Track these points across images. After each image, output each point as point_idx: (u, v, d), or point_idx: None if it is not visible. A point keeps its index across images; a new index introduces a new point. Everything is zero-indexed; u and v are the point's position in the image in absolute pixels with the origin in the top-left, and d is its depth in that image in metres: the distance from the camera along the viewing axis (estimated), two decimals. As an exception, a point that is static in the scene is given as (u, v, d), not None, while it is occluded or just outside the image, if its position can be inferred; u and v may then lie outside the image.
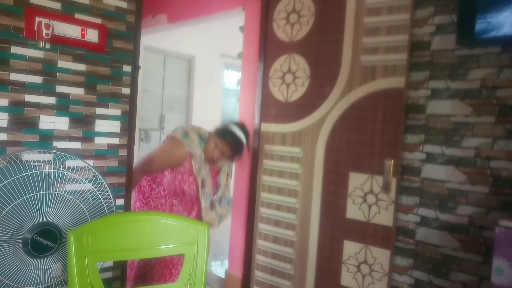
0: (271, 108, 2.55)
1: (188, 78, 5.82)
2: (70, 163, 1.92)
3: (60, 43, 1.93)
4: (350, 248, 2.16)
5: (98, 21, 2.05)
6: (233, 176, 2.48)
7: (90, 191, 1.90)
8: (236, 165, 2.87)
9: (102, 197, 1.92)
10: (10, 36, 1.80)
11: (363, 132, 2.12)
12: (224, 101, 6.33)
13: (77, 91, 2.03)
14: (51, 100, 1.95)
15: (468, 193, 1.80)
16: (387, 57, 2.02)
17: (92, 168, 1.95)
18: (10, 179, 1.67)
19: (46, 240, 1.76)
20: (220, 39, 5.59)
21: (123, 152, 2.21)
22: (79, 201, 1.86)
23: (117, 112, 2.18)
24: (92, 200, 1.90)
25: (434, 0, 1.89)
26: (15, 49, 1.82)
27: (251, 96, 2.75)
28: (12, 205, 1.67)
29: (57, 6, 1.92)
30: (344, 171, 2.19)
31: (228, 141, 2.21)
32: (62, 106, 1.98)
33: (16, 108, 1.85)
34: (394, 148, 1.99)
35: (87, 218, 1.88)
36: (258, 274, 2.61)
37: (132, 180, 2.17)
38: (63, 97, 1.98)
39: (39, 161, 1.82)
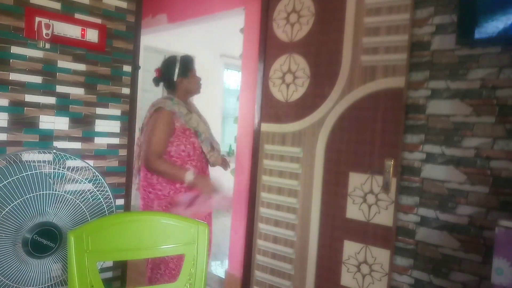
0: (271, 108, 2.55)
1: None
2: (70, 163, 1.92)
3: (60, 43, 1.94)
4: (350, 248, 2.16)
5: (98, 21, 2.06)
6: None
7: (90, 191, 1.90)
8: (236, 164, 2.87)
9: (102, 197, 1.92)
10: (10, 36, 1.81)
11: (363, 132, 2.12)
12: (224, 101, 6.32)
13: (77, 91, 2.03)
14: (51, 100, 1.95)
15: (468, 193, 1.80)
16: (387, 57, 2.02)
17: (92, 168, 1.95)
18: (10, 179, 1.67)
19: (46, 240, 1.76)
20: (220, 39, 5.58)
21: (123, 152, 2.22)
22: (79, 201, 1.86)
23: (117, 112, 2.18)
24: (92, 200, 1.90)
25: (434, 0, 1.89)
26: (15, 49, 1.82)
27: (251, 96, 2.75)
28: (12, 205, 1.67)
29: (57, 6, 1.92)
30: (344, 171, 2.19)
31: (187, 67, 2.37)
32: (62, 106, 1.98)
33: (16, 108, 1.85)
34: (394, 148, 1.99)
35: (87, 218, 1.88)
36: (258, 274, 2.61)
37: (151, 167, 2.16)
38: (63, 97, 1.98)
39: (39, 161, 1.82)
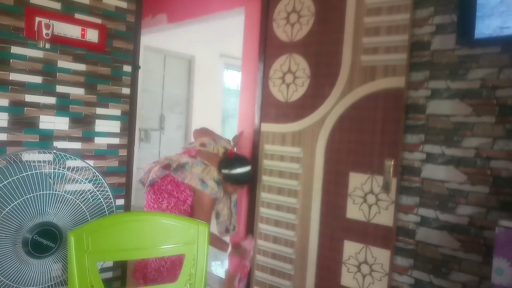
0: (271, 108, 2.55)
1: (188, 78, 5.82)
2: (70, 163, 1.92)
3: (60, 43, 1.94)
4: (350, 248, 2.16)
5: (98, 21, 2.05)
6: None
7: (90, 191, 1.90)
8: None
9: (102, 197, 1.92)
10: (10, 36, 1.81)
11: (363, 132, 2.12)
12: (224, 101, 6.32)
13: (77, 91, 2.03)
14: (51, 100, 1.95)
15: (468, 193, 1.80)
16: (387, 57, 2.02)
17: (92, 168, 1.95)
18: (10, 179, 1.67)
19: (46, 240, 1.76)
20: (220, 39, 5.59)
21: (123, 152, 2.22)
22: (79, 201, 1.86)
23: (117, 112, 2.18)
24: (92, 200, 1.90)
25: (434, 0, 1.89)
26: (15, 49, 1.82)
27: (251, 96, 2.75)
28: (12, 205, 1.67)
29: (57, 6, 1.92)
30: (344, 171, 2.19)
31: (240, 182, 2.42)
32: (62, 106, 1.98)
33: (16, 108, 1.85)
34: (394, 148, 1.99)
35: (87, 218, 1.88)
36: (258, 274, 2.61)
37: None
38: (63, 97, 1.98)
39: (39, 161, 1.82)
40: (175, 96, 5.71)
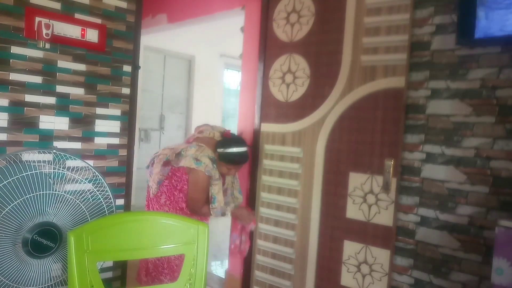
0: (271, 108, 2.55)
1: (188, 78, 5.82)
2: (70, 163, 1.92)
3: (60, 43, 1.94)
4: (350, 248, 2.16)
5: (98, 21, 2.05)
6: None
7: (90, 191, 1.90)
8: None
9: (102, 197, 1.92)
10: (10, 36, 1.81)
11: (363, 132, 2.12)
12: (224, 101, 6.32)
13: (77, 91, 2.03)
14: (51, 100, 1.95)
15: (468, 193, 1.80)
16: (387, 57, 2.02)
17: (92, 168, 1.95)
18: (10, 179, 1.67)
19: (46, 240, 1.76)
20: (220, 39, 5.59)
21: (123, 152, 2.22)
22: (79, 201, 1.86)
23: (117, 112, 2.18)
24: (92, 200, 1.90)
25: (434, 0, 1.89)
26: (15, 49, 1.82)
27: (251, 96, 2.75)
28: (12, 205, 1.67)
29: (57, 6, 1.92)
30: (344, 171, 2.19)
31: (235, 162, 2.37)
32: (62, 106, 1.98)
33: (16, 108, 1.85)
34: (394, 148, 1.99)
35: (87, 218, 1.88)
36: (258, 274, 2.61)
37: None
38: (63, 97, 1.98)
39: (39, 161, 1.82)
40: (175, 96, 5.71)
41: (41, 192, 1.76)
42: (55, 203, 1.80)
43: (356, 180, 2.14)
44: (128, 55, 2.19)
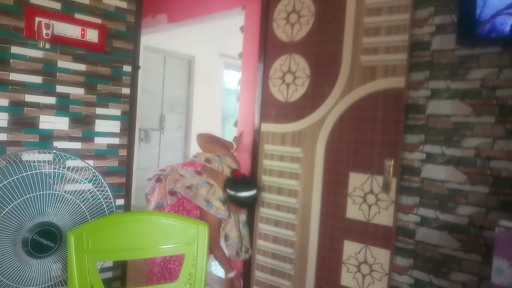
0: (271, 108, 2.55)
1: (188, 78, 5.82)
2: (70, 163, 1.92)
3: (60, 43, 1.94)
4: (350, 248, 2.16)
5: (98, 21, 2.05)
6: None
7: (90, 191, 1.90)
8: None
9: (102, 197, 1.92)
10: (10, 36, 1.81)
11: (363, 132, 2.12)
12: (224, 101, 6.32)
13: (77, 91, 2.03)
14: (51, 100, 1.95)
15: (468, 193, 1.80)
16: (387, 57, 2.02)
17: (92, 168, 1.95)
18: (10, 179, 1.67)
19: (46, 240, 1.76)
20: (220, 39, 5.58)
21: (123, 152, 2.22)
22: (79, 201, 1.86)
23: (117, 112, 2.18)
24: (92, 200, 1.90)
25: (434, 0, 1.89)
26: (15, 49, 1.82)
27: (251, 96, 2.75)
28: (12, 205, 1.67)
29: (57, 6, 1.92)
30: (344, 171, 2.19)
31: (244, 206, 2.42)
32: (62, 106, 1.98)
33: (16, 108, 1.85)
34: (394, 148, 1.99)
35: (87, 218, 1.88)
36: (258, 274, 2.61)
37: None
38: (63, 97, 1.98)
39: (39, 161, 1.82)
40: (175, 96, 5.71)
41: (41, 192, 1.76)
42: (55, 203, 1.80)
43: (356, 180, 2.14)
44: (128, 55, 2.19)
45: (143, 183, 5.27)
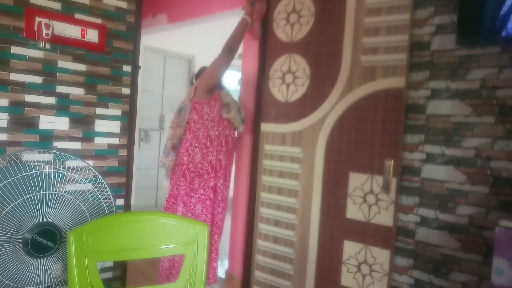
0: (271, 108, 2.55)
1: (188, 78, 5.82)
2: (70, 163, 1.92)
3: (60, 43, 1.94)
4: (350, 248, 2.16)
5: (98, 21, 2.06)
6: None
7: (90, 191, 1.90)
8: (236, 165, 2.87)
9: (102, 197, 1.92)
10: (10, 36, 1.81)
11: (363, 132, 2.12)
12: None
13: (77, 91, 2.03)
14: (51, 100, 1.95)
15: (468, 193, 1.80)
16: (387, 57, 2.02)
17: (92, 168, 1.95)
18: (10, 179, 1.67)
19: (46, 240, 1.76)
20: (220, 39, 5.58)
21: (123, 152, 2.22)
22: (79, 201, 1.86)
23: (117, 112, 2.18)
24: (92, 200, 1.90)
25: (434, 0, 1.89)
26: (15, 49, 1.82)
27: (251, 96, 2.75)
28: (12, 205, 1.67)
29: (57, 6, 1.92)
30: (344, 171, 2.19)
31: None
32: (62, 106, 1.98)
33: (16, 108, 1.85)
34: (394, 148, 1.99)
35: (87, 218, 1.88)
36: (258, 274, 2.61)
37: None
38: (63, 97, 1.98)
39: (39, 161, 1.82)
40: (175, 96, 5.70)
41: (41, 192, 1.76)
42: (55, 203, 1.80)
43: (356, 180, 2.14)
44: (128, 55, 2.19)
45: (143, 183, 5.29)
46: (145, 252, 1.59)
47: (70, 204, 1.84)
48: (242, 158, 2.84)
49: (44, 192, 1.76)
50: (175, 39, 5.23)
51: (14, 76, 1.83)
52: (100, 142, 2.12)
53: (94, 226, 1.49)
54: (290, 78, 2.45)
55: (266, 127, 2.57)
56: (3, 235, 1.67)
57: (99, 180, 1.93)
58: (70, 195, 1.84)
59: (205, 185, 2.41)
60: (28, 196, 1.71)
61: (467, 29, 1.72)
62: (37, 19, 1.84)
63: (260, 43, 2.64)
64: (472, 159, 1.79)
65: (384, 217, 2.03)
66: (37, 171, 1.75)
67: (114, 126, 2.17)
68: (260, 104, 2.61)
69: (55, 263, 1.82)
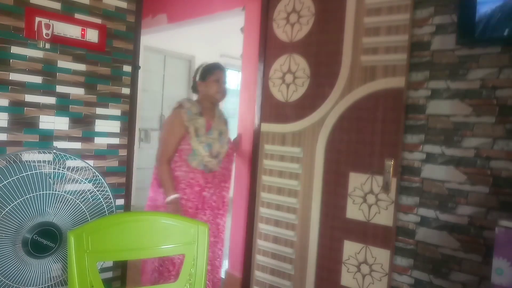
0: (271, 108, 2.55)
1: (188, 78, 5.82)
2: (70, 163, 1.92)
3: (60, 43, 1.94)
4: (350, 248, 2.16)
5: (98, 21, 2.05)
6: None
7: (90, 191, 1.90)
8: (236, 165, 2.87)
9: (102, 197, 1.92)
10: (10, 36, 1.81)
11: (363, 132, 2.12)
12: (224, 101, 6.31)
13: (77, 91, 2.03)
14: (51, 100, 1.95)
15: (468, 193, 1.80)
16: (387, 57, 2.02)
17: (92, 168, 1.95)
18: (10, 179, 1.67)
19: (46, 240, 1.76)
20: (220, 39, 5.59)
21: (123, 152, 2.22)
22: (79, 201, 1.86)
23: (117, 112, 2.18)
24: (92, 200, 1.90)
25: (434, 0, 1.89)
26: (15, 49, 1.82)
27: (251, 96, 2.75)
28: (12, 205, 1.67)
29: (57, 6, 1.92)
30: (344, 171, 2.19)
31: (211, 69, 2.49)
32: (62, 106, 1.98)
33: (16, 108, 1.85)
34: (394, 148, 1.99)
35: (87, 218, 1.88)
36: (258, 274, 2.60)
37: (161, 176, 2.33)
38: (63, 97, 1.98)
39: (39, 161, 1.82)
40: (175, 96, 5.70)
41: (41, 192, 1.76)
42: (55, 203, 1.80)
43: (356, 180, 2.14)
44: (128, 55, 2.19)
45: (143, 183, 5.27)
46: (145, 252, 1.59)
47: (70, 204, 1.84)
48: (242, 157, 2.84)
49: (44, 192, 1.76)
50: (175, 39, 5.23)
51: (14, 76, 1.83)
52: (100, 142, 2.12)
53: (94, 226, 1.49)
54: (290, 78, 2.45)
55: (266, 127, 2.57)
56: (3, 235, 1.67)
57: (99, 180, 1.93)
58: (70, 195, 1.84)
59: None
60: (28, 196, 1.71)
61: (467, 29, 1.72)
62: (37, 19, 1.84)
63: (260, 43, 2.64)
64: (472, 159, 1.79)
65: (384, 217, 2.03)
66: (37, 171, 1.75)
67: (114, 126, 2.17)
68: (260, 104, 2.61)
69: (55, 263, 1.81)
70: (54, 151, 1.88)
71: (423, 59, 1.93)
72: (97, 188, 1.91)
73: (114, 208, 1.97)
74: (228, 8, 3.06)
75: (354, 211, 2.14)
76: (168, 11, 3.62)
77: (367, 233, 2.10)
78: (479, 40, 1.72)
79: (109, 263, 2.17)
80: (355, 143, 2.15)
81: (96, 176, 1.93)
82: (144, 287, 2.30)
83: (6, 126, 1.83)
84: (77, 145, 2.04)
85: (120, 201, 2.21)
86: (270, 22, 2.57)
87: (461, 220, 1.81)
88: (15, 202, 1.68)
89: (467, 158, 1.80)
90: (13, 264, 1.69)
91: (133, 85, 2.23)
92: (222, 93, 2.48)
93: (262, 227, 2.58)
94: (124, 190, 2.23)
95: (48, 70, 1.93)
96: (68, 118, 2.01)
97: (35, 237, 1.73)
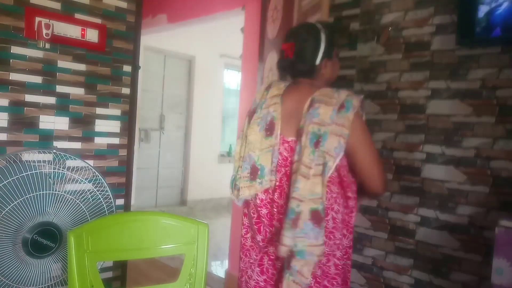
0: (271, 108, 2.54)
1: (188, 78, 5.82)
2: (70, 163, 1.92)
3: (60, 43, 1.93)
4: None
5: (98, 21, 2.05)
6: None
7: (90, 191, 1.90)
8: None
9: (102, 197, 1.92)
10: (10, 36, 1.81)
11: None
12: (224, 101, 6.32)
13: (77, 91, 2.03)
14: (51, 100, 1.95)
15: (468, 193, 1.80)
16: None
17: (92, 168, 1.95)
18: (10, 179, 1.67)
19: (46, 240, 1.76)
20: (220, 39, 5.59)
21: (123, 152, 2.21)
22: (79, 201, 1.86)
23: (117, 112, 2.18)
24: (92, 200, 1.90)
25: (434, 0, 1.89)
26: (15, 49, 1.82)
27: (251, 96, 2.75)
28: (12, 205, 1.67)
29: (57, 6, 1.92)
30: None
31: (330, 49, 1.39)
32: (62, 106, 1.98)
33: (16, 108, 1.85)
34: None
35: (87, 218, 1.88)
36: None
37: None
38: (63, 97, 1.98)
39: (39, 161, 1.82)
40: (175, 96, 5.71)
41: (41, 192, 1.75)
42: (55, 203, 1.80)
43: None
44: (128, 55, 2.19)
45: (143, 183, 5.28)
46: (145, 252, 1.59)
47: (70, 204, 1.84)
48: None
49: (44, 192, 1.76)
50: (175, 39, 5.23)
51: (14, 76, 1.83)
52: (100, 142, 2.12)
53: (94, 226, 1.50)
54: (290, 78, 2.45)
55: (266, 127, 2.57)
56: (3, 235, 1.67)
57: (99, 180, 1.93)
58: (70, 195, 1.84)
59: None
60: (28, 196, 1.71)
61: (467, 29, 1.72)
62: (37, 19, 1.84)
63: (260, 43, 2.64)
64: (472, 159, 1.79)
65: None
66: (37, 171, 1.75)
67: (114, 126, 2.17)
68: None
69: (55, 263, 1.81)
70: (54, 151, 1.88)
71: (423, 59, 1.93)
72: (97, 188, 1.91)
73: (114, 208, 1.97)
74: (228, 8, 3.07)
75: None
76: (168, 11, 3.62)
77: (367, 233, 2.08)
78: (479, 40, 1.72)
79: (109, 263, 2.16)
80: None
81: (96, 176, 1.93)
82: (144, 287, 2.30)
83: (6, 126, 1.83)
84: (77, 145, 2.04)
85: (120, 201, 2.21)
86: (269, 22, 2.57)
87: (461, 220, 1.81)
88: (15, 202, 1.68)
89: (467, 158, 1.80)
90: (13, 264, 1.69)
91: (133, 85, 2.23)
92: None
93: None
94: (124, 190, 2.23)
95: (48, 70, 1.92)
96: (68, 118, 2.00)
97: (35, 237, 1.73)
